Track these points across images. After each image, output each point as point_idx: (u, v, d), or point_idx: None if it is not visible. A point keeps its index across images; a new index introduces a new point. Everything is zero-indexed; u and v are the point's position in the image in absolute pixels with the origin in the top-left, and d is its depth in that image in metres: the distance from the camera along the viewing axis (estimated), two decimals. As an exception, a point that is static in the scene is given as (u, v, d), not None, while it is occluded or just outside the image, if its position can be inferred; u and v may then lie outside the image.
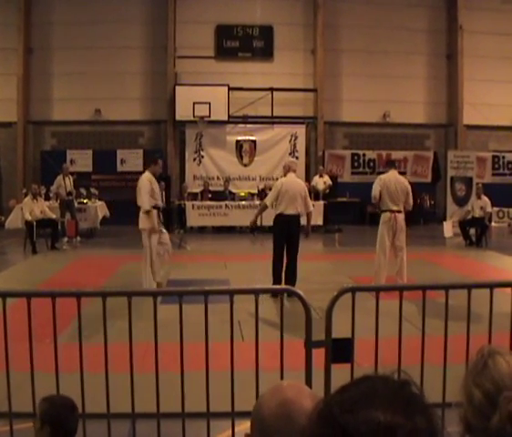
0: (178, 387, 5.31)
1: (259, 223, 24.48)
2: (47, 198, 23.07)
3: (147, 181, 13.23)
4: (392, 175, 13.72)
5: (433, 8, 30.17)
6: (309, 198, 13.35)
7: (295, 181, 13.26)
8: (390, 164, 14.65)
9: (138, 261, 13.61)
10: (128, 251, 18.83)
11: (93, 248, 20.66)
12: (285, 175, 13.31)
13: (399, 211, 13.52)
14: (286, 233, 12.83)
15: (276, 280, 12.64)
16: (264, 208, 13.38)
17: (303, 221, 13.42)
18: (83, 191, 24.67)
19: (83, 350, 5.27)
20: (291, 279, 12.66)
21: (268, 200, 13.20)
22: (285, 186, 12.88)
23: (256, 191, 26.92)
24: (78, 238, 22.19)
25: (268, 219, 24.68)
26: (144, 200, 13.09)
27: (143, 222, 13.15)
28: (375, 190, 13.61)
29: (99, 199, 24.71)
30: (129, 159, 27.87)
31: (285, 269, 12.88)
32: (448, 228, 24.24)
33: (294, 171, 13.39)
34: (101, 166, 27.79)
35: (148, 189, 13.13)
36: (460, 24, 29.49)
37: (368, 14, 29.28)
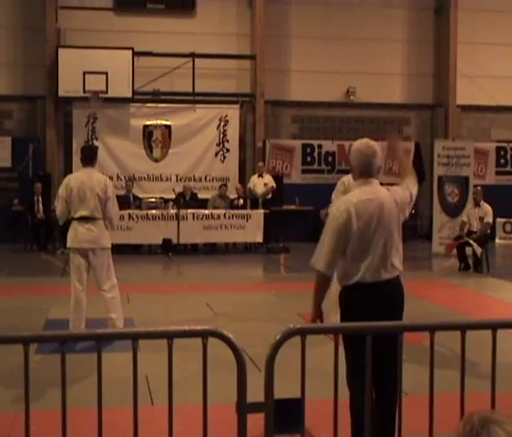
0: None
1: (175, 241, 24.55)
2: None
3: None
4: None
5: None
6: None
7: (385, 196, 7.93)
8: None
9: (9, 295, 13.42)
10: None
11: None
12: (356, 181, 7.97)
13: None
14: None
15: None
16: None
17: None
18: None
19: None
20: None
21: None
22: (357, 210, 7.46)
23: (172, 196, 26.67)
24: None
25: (187, 236, 24.87)
26: (117, 211, 13.11)
27: (107, 239, 12.81)
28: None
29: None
30: (-8, 151, 27.50)
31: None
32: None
33: (371, 176, 7.79)
34: (-48, 159, 27.36)
35: None
36: (453, -34, 29.89)
37: (326, -48, 29.48)
